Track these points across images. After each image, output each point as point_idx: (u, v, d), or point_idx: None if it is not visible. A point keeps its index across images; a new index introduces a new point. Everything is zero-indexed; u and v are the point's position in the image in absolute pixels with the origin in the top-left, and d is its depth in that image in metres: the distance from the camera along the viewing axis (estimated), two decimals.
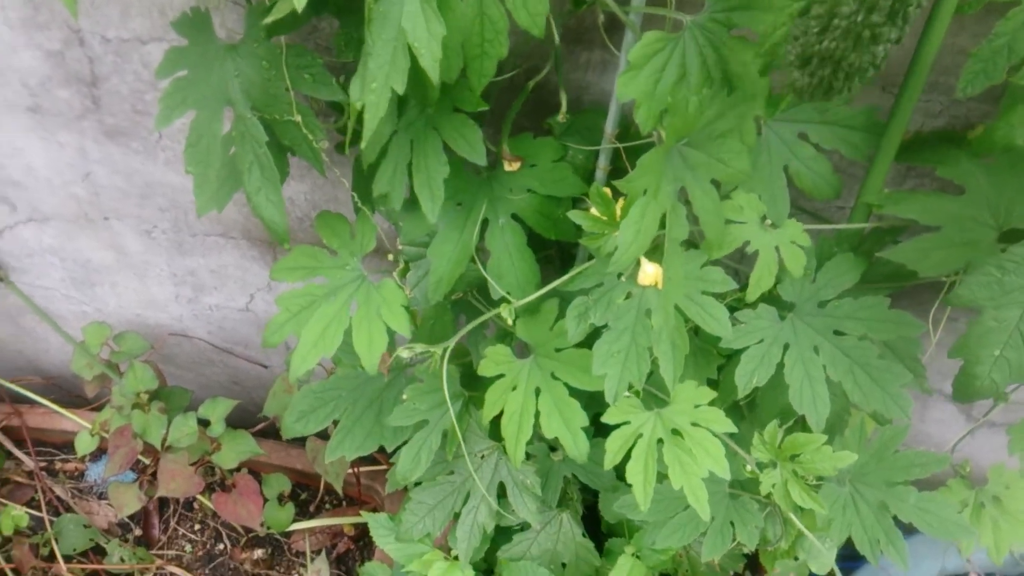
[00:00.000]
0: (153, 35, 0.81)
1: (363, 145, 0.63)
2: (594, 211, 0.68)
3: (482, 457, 0.89)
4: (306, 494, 1.32)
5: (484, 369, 0.78)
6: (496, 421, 0.79)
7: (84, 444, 1.17)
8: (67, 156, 0.96)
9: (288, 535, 1.27)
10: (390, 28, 0.56)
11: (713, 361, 0.76)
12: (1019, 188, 0.65)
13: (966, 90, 0.62)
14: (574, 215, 0.69)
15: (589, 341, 0.70)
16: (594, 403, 0.76)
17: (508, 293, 0.73)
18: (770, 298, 0.70)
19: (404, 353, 0.70)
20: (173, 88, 0.70)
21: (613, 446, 0.71)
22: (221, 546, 1.27)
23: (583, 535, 0.94)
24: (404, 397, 0.85)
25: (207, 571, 1.25)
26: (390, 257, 0.80)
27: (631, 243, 0.61)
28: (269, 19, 0.57)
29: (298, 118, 0.68)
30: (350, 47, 0.71)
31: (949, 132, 0.74)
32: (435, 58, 0.56)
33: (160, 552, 1.25)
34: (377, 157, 0.67)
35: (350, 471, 1.22)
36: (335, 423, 0.91)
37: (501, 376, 0.78)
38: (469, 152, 0.69)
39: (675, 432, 0.70)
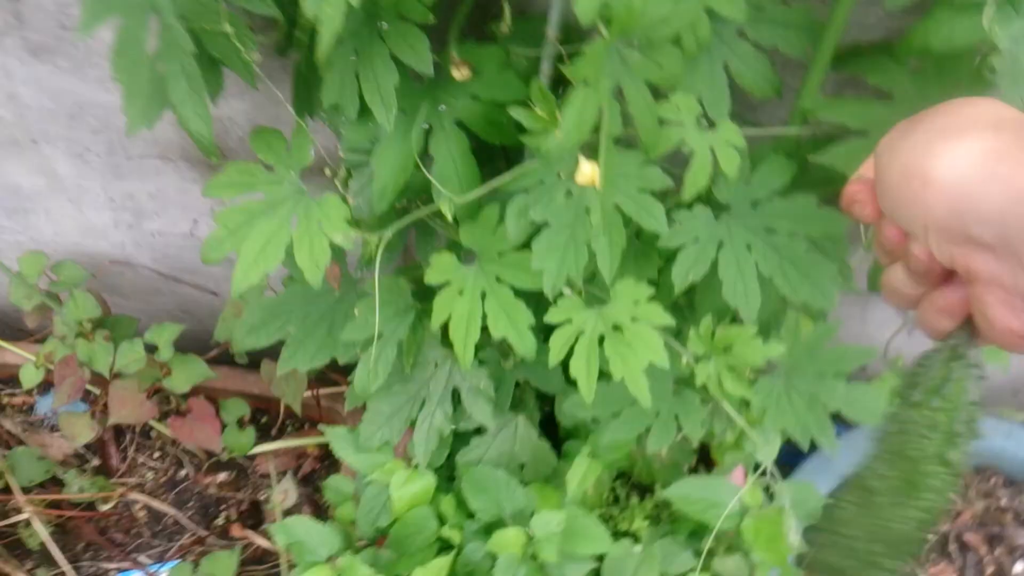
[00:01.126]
0: None
1: (320, 56, 0.65)
2: (537, 109, 0.73)
3: (436, 365, 0.95)
4: (266, 418, 1.39)
5: (430, 277, 0.84)
6: (446, 329, 0.85)
7: (29, 376, 1.21)
8: None
9: (252, 459, 1.34)
10: None
11: (654, 263, 0.82)
12: (943, 95, 0.70)
13: (895, 2, 0.67)
14: (516, 112, 0.73)
15: (530, 244, 0.76)
16: (542, 309, 0.82)
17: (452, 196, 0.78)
18: (706, 199, 0.76)
19: (338, 239, 0.75)
20: None
21: (556, 343, 0.77)
22: (184, 472, 1.34)
23: (539, 436, 1.02)
24: (356, 312, 0.91)
25: (172, 496, 1.32)
26: (327, 172, 0.84)
27: (572, 129, 0.66)
28: None
29: (229, 29, 0.71)
30: None
31: (883, 43, 0.79)
32: None
33: (122, 481, 1.31)
34: (321, 68, 0.70)
35: (309, 393, 1.28)
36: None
37: (448, 283, 0.83)
38: (417, 62, 0.73)
39: (616, 328, 0.77)
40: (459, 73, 0.79)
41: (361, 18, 0.72)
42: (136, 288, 1.31)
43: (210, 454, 1.35)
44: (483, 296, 0.82)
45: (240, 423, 1.30)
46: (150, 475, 1.33)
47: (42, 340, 1.22)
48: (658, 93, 0.71)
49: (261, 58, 0.75)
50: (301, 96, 0.84)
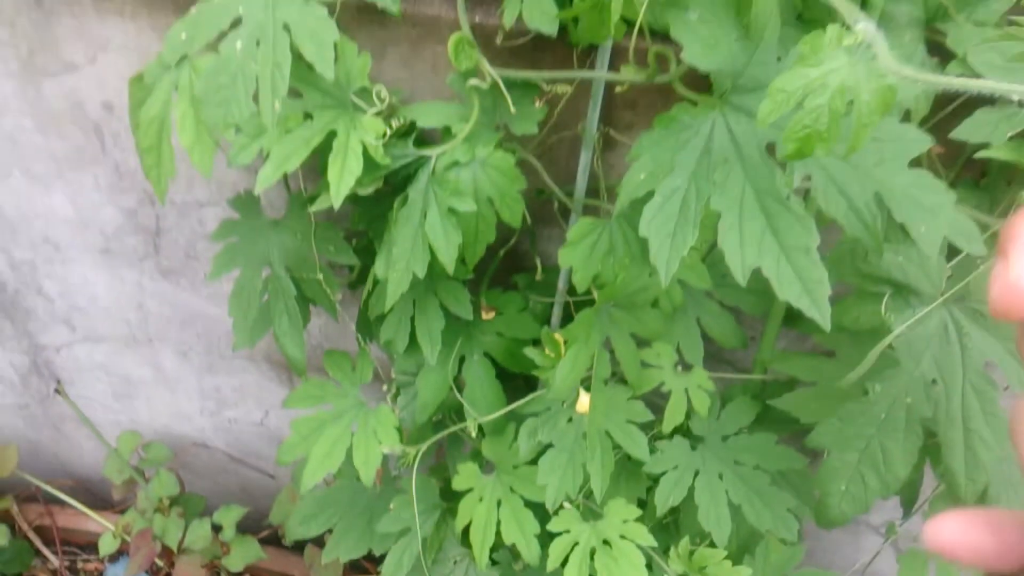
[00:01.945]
0: (210, 201, 1.12)
1: (386, 308, 0.89)
2: (546, 350, 0.96)
3: (455, 562, 1.13)
4: None
5: (457, 484, 1.04)
6: (467, 530, 1.04)
7: (107, 545, 1.43)
8: (126, 289, 1.26)
9: None
10: (411, 226, 0.85)
11: (642, 484, 1.00)
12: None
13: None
14: (529, 352, 0.96)
15: (537, 459, 0.96)
16: (548, 517, 1.00)
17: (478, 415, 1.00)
18: (684, 431, 0.96)
19: (385, 450, 0.96)
20: (225, 250, 1.00)
21: (555, 551, 0.95)
22: None
23: None
24: (391, 507, 1.11)
25: None
26: (384, 387, 1.07)
27: (565, 377, 0.88)
28: (312, 208, 0.87)
29: (320, 277, 0.97)
30: (363, 220, 1.02)
31: None
32: (451, 258, 0.83)
33: None
34: (385, 310, 0.96)
35: None
36: (330, 532, 1.16)
37: (471, 490, 1.03)
38: (459, 310, 0.98)
39: (606, 543, 0.94)
40: (487, 314, 1.03)
41: (419, 278, 0.98)
42: (208, 467, 1.54)
43: None
44: (499, 504, 1.01)
45: None
46: None
47: (121, 511, 1.44)
48: (642, 342, 0.94)
49: (341, 296, 1.02)
50: (364, 324, 1.09)
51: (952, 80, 0.52)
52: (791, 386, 0.99)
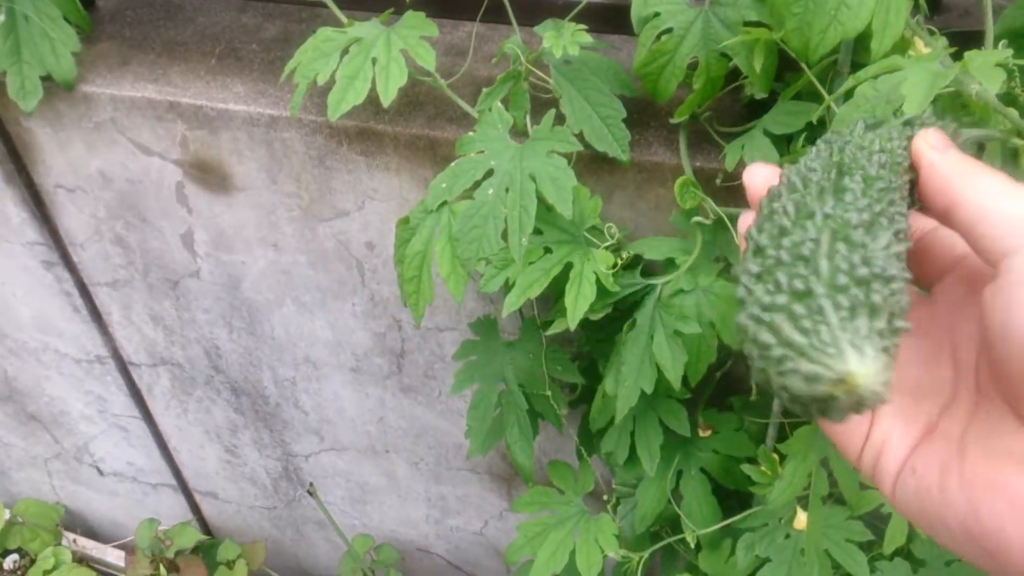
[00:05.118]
0: (448, 326, 1.28)
1: (617, 419, 0.99)
2: (763, 467, 1.01)
3: None
4: None
5: None
6: None
7: None
8: (370, 404, 1.43)
9: None
10: (639, 347, 0.95)
11: None
12: None
13: None
14: (747, 468, 1.01)
15: (755, 574, 0.99)
16: None
17: (695, 529, 1.05)
18: (905, 553, 0.96)
19: (611, 553, 1.03)
20: (465, 368, 1.14)
21: None
22: None
23: None
24: None
25: None
26: (604, 497, 1.15)
27: (784, 491, 0.92)
28: (549, 332, 0.99)
29: (549, 393, 1.08)
30: (588, 343, 1.13)
31: None
32: (678, 375, 0.93)
33: None
34: (606, 424, 1.05)
35: None
36: None
37: None
38: (678, 427, 1.06)
39: None
40: (704, 432, 1.09)
41: (646, 393, 1.07)
42: (429, 573, 1.65)
43: None
44: None
45: None
46: None
47: None
48: None
49: (565, 412, 1.12)
50: (586, 439, 1.18)
51: None
52: None
